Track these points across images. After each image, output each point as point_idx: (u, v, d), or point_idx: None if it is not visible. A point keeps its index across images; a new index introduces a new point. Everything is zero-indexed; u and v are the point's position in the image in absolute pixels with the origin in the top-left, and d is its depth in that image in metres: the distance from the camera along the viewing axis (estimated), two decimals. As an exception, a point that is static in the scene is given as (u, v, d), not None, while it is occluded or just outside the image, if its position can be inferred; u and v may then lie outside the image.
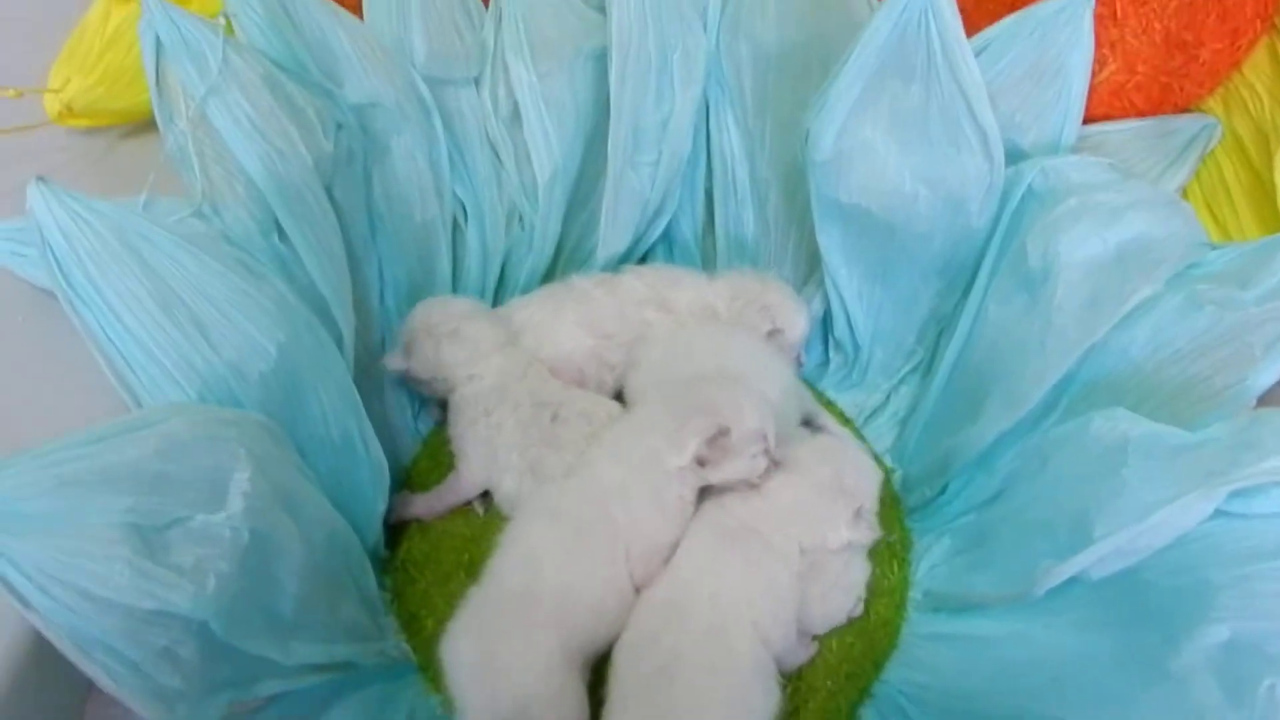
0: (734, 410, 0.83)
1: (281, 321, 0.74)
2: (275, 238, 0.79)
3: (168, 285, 0.68)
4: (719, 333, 1.03)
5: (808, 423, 1.05)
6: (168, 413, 0.65)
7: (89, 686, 0.74)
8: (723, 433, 0.82)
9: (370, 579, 0.90)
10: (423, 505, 1.01)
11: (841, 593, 0.90)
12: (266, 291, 0.74)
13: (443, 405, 1.05)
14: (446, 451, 1.06)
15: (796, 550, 0.85)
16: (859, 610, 0.92)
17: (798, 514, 0.85)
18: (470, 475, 0.99)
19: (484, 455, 0.97)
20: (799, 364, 1.07)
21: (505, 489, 0.95)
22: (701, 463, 0.83)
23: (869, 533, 0.88)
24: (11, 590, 0.55)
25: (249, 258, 0.75)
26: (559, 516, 0.82)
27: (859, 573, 0.91)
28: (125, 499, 0.58)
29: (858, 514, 0.86)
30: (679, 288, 1.06)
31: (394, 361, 0.99)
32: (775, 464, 0.85)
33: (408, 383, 1.04)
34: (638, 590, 0.82)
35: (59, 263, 0.65)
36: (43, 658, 0.61)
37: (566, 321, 1.04)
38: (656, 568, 0.83)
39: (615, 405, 0.99)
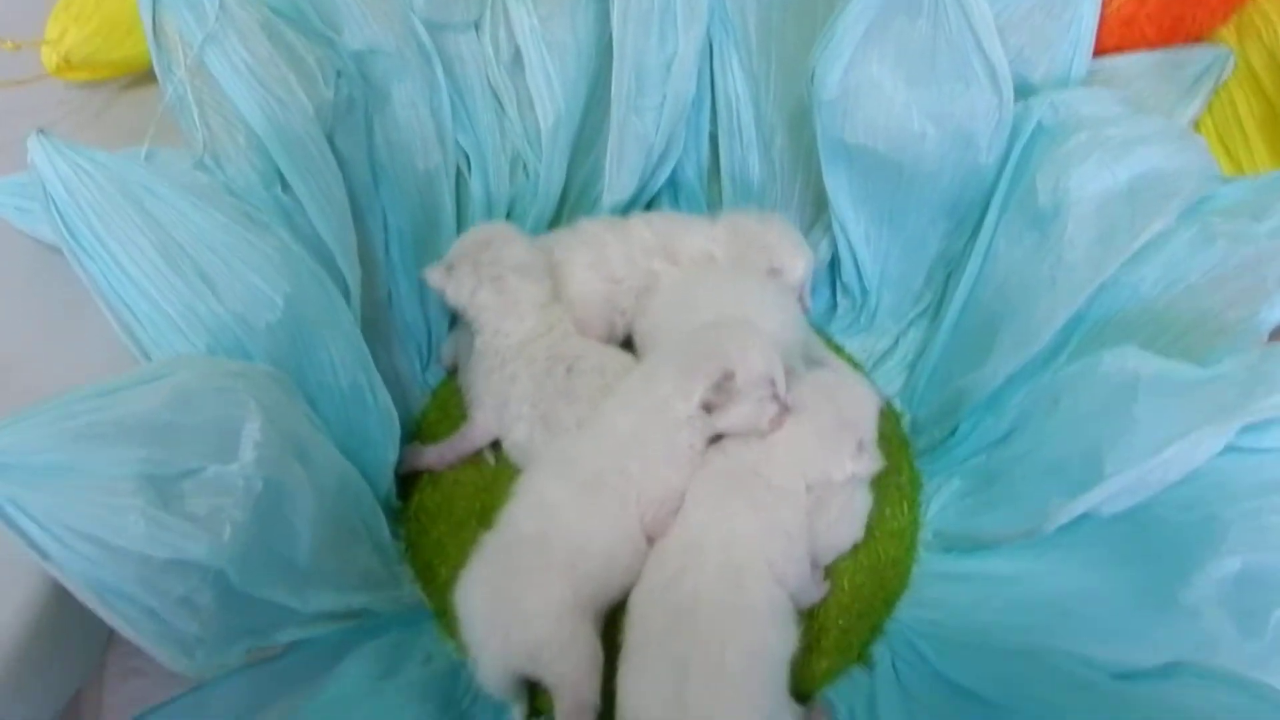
0: (740, 354, 0.83)
1: (287, 272, 0.74)
2: (278, 188, 0.78)
3: (171, 236, 0.68)
4: (721, 277, 1.02)
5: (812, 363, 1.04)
6: (177, 365, 0.65)
7: (109, 635, 0.76)
8: (728, 377, 0.82)
9: (383, 527, 0.91)
10: (434, 455, 1.01)
11: (846, 524, 0.91)
12: (271, 242, 0.73)
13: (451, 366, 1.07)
14: (456, 403, 1.07)
15: (802, 488, 0.85)
16: (861, 537, 0.93)
17: (800, 453, 0.85)
18: (483, 423, 0.99)
19: (497, 404, 0.96)
20: (804, 306, 1.06)
21: (516, 438, 0.95)
22: (709, 409, 0.83)
23: (871, 463, 0.88)
24: (29, 541, 0.55)
25: (252, 208, 0.74)
26: (572, 466, 0.83)
27: (862, 503, 0.92)
28: (137, 450, 0.58)
29: (859, 446, 0.87)
30: (685, 235, 1.05)
31: (434, 276, 0.97)
32: (785, 409, 0.85)
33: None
34: (650, 541, 0.83)
35: (62, 215, 0.65)
36: (62, 606, 0.62)
37: (577, 265, 1.03)
38: (667, 517, 0.83)
39: (629, 358, 0.99)
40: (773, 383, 0.84)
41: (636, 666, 0.77)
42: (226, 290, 0.70)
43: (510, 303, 0.96)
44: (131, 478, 0.58)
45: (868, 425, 0.89)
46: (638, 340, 1.03)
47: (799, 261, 1.03)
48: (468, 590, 0.79)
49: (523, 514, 0.81)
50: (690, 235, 1.05)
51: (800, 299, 1.06)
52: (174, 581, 0.60)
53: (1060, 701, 0.70)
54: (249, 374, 0.69)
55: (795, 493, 0.85)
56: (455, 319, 1.10)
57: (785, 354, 0.92)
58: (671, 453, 0.84)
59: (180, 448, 0.61)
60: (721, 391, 0.83)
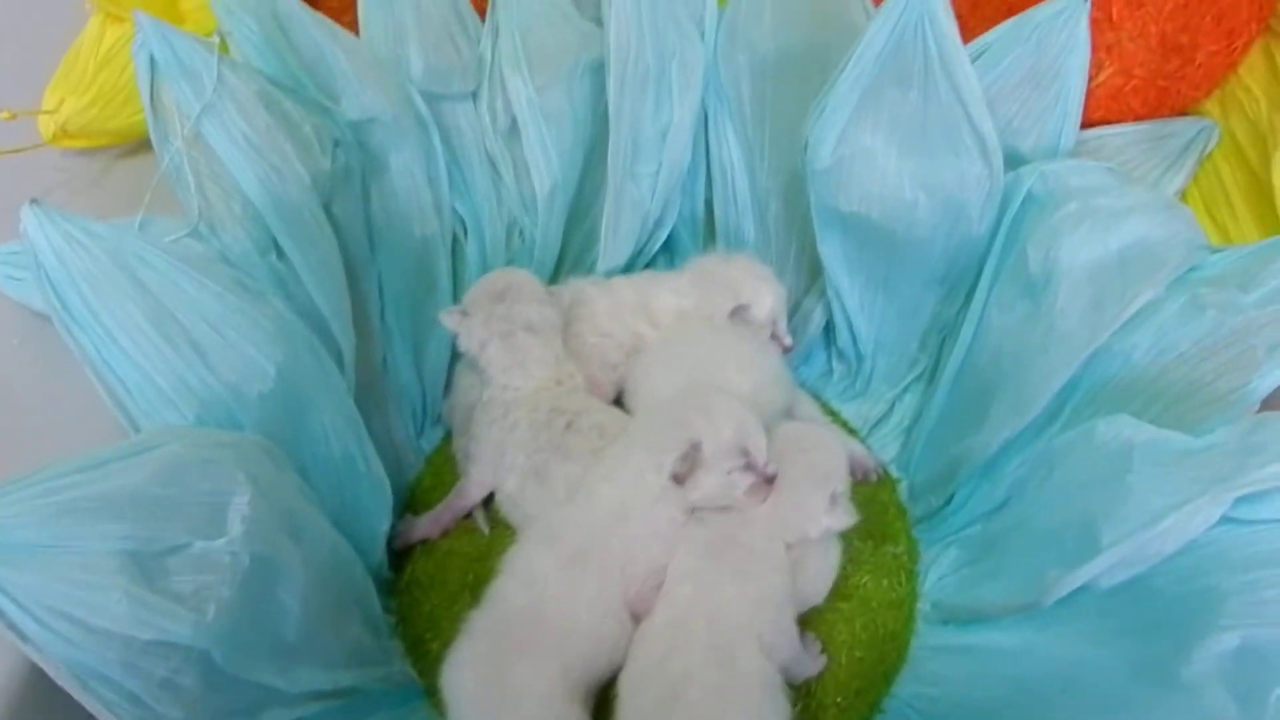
0: (706, 424, 0.81)
1: (280, 341, 0.73)
2: (273, 256, 0.79)
3: (164, 307, 0.67)
4: (699, 335, 1.02)
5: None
6: (165, 436, 0.65)
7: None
8: (695, 448, 0.80)
9: (374, 601, 0.89)
10: (427, 524, 1.01)
11: (822, 578, 0.89)
12: (265, 311, 0.73)
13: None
14: (450, 469, 1.06)
15: (783, 550, 0.84)
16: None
17: (777, 514, 0.84)
18: (479, 477, 0.98)
19: (493, 454, 0.96)
20: (783, 345, 1.05)
21: (508, 490, 0.95)
22: (679, 480, 0.82)
23: (846, 517, 0.86)
24: (7, 622, 0.54)
25: (246, 277, 0.74)
26: (559, 539, 0.81)
27: (835, 554, 0.90)
28: (123, 526, 0.57)
29: (833, 499, 0.85)
30: (658, 292, 1.05)
31: (449, 320, 0.98)
32: (765, 479, 0.83)
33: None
34: (635, 619, 0.81)
35: (53, 286, 0.65)
36: (40, 690, 0.60)
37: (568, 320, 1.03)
38: (651, 593, 0.81)
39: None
40: (746, 452, 0.82)
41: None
42: (219, 360, 0.70)
43: (519, 360, 0.96)
44: (115, 554, 0.56)
45: (839, 476, 0.87)
46: (627, 404, 1.02)
47: (765, 296, 1.02)
48: (456, 670, 0.78)
49: (512, 587, 0.80)
50: (662, 292, 1.05)
51: (776, 338, 1.04)
52: (156, 663, 0.58)
53: (1062, 782, 0.68)
54: (239, 445, 0.68)
55: (777, 556, 0.83)
56: (450, 383, 1.10)
57: (767, 409, 0.92)
58: (652, 526, 0.82)
59: (167, 522, 0.60)
60: (689, 462, 0.81)
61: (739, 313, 1.02)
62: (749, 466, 0.82)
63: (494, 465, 0.96)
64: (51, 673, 0.55)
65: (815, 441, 0.89)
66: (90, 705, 0.56)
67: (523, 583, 0.80)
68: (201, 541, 0.61)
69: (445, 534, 1.01)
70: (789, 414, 1.02)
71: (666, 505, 0.82)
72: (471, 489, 0.99)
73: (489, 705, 0.75)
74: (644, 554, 0.81)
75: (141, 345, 0.67)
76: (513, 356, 0.96)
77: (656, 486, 0.81)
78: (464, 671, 0.77)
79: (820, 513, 0.84)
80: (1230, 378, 0.76)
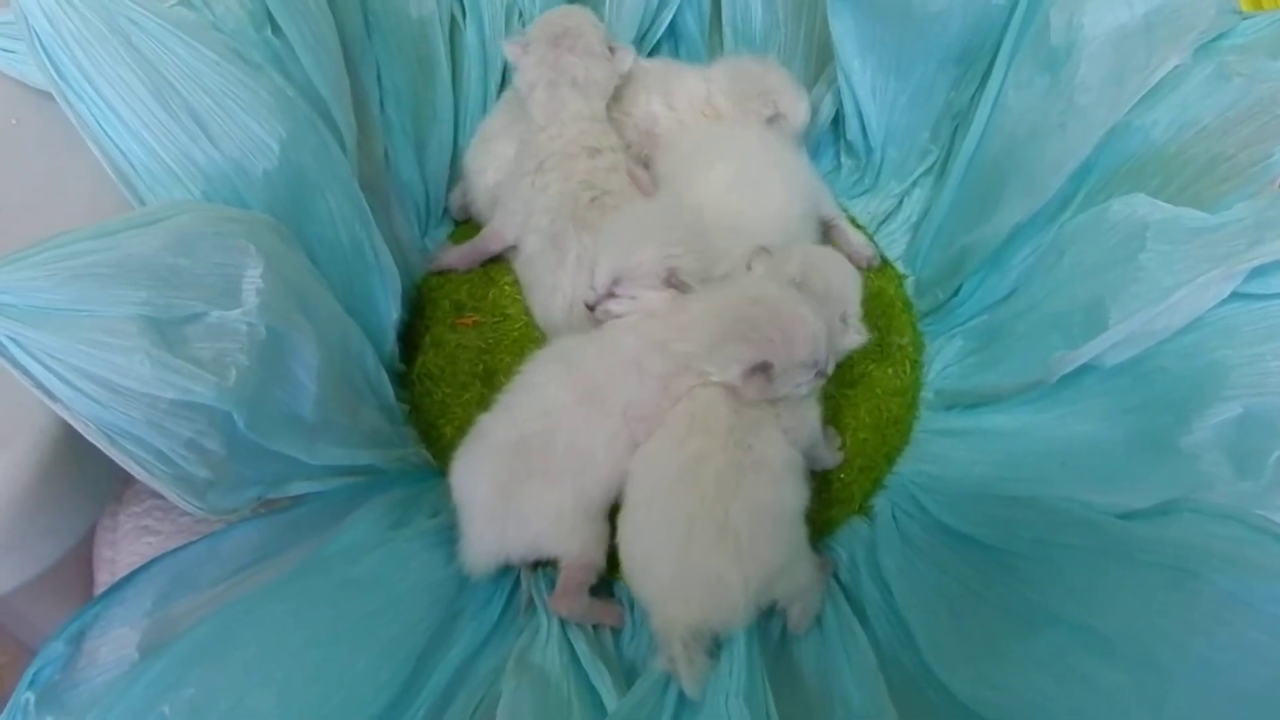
0: (783, 346, 0.78)
1: (282, 116, 0.72)
2: (268, 30, 0.75)
3: (161, 74, 0.65)
4: (735, 138, 1.00)
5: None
6: (176, 209, 0.64)
7: (123, 491, 0.77)
8: (765, 366, 0.78)
9: (387, 387, 0.91)
10: (457, 256, 1.04)
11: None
12: (264, 84, 0.71)
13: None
14: (458, 271, 1.06)
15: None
16: None
17: None
18: (501, 228, 0.99)
19: (520, 210, 0.96)
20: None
21: (527, 250, 0.96)
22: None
23: (857, 336, 0.88)
24: (34, 381, 0.55)
25: (242, 48, 0.71)
26: (576, 376, 0.82)
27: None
28: (139, 292, 0.58)
29: (843, 319, 0.86)
30: (680, 79, 1.03)
31: (513, 50, 0.96)
32: (825, 377, 0.83)
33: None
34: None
35: (46, 51, 0.63)
36: (72, 452, 0.62)
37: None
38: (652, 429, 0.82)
39: None
40: (816, 364, 0.80)
41: (638, 526, 0.78)
42: (221, 134, 0.68)
43: (556, 109, 0.95)
44: (134, 319, 0.57)
45: (853, 299, 0.88)
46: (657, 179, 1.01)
47: (800, 105, 1.02)
48: (468, 480, 0.80)
49: (527, 411, 0.81)
50: (686, 79, 1.03)
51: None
52: (181, 424, 0.60)
53: (1059, 540, 0.71)
54: (249, 221, 0.67)
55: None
56: (454, 178, 1.09)
57: (800, 219, 0.95)
58: (670, 387, 0.82)
59: (182, 291, 0.60)
60: (757, 371, 0.78)
61: (773, 121, 1.01)
62: (818, 374, 0.81)
63: (519, 220, 0.96)
64: (81, 429, 0.57)
65: (833, 262, 0.90)
66: (121, 460, 0.58)
67: (538, 410, 0.80)
68: (218, 311, 0.62)
69: (472, 268, 1.05)
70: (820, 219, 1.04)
71: (686, 376, 0.82)
72: (493, 237, 1.01)
73: (498, 522, 0.78)
74: (652, 403, 0.81)
75: (142, 116, 0.65)
76: (553, 106, 0.95)
77: (714, 378, 0.80)
78: (476, 480, 0.80)
79: (833, 330, 0.84)
80: (1253, 150, 0.74)
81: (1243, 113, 0.75)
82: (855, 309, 0.88)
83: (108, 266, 0.57)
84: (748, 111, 1.00)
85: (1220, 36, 0.77)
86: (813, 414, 0.85)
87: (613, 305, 0.84)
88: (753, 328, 0.79)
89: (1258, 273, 0.70)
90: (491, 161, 1.02)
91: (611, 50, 0.97)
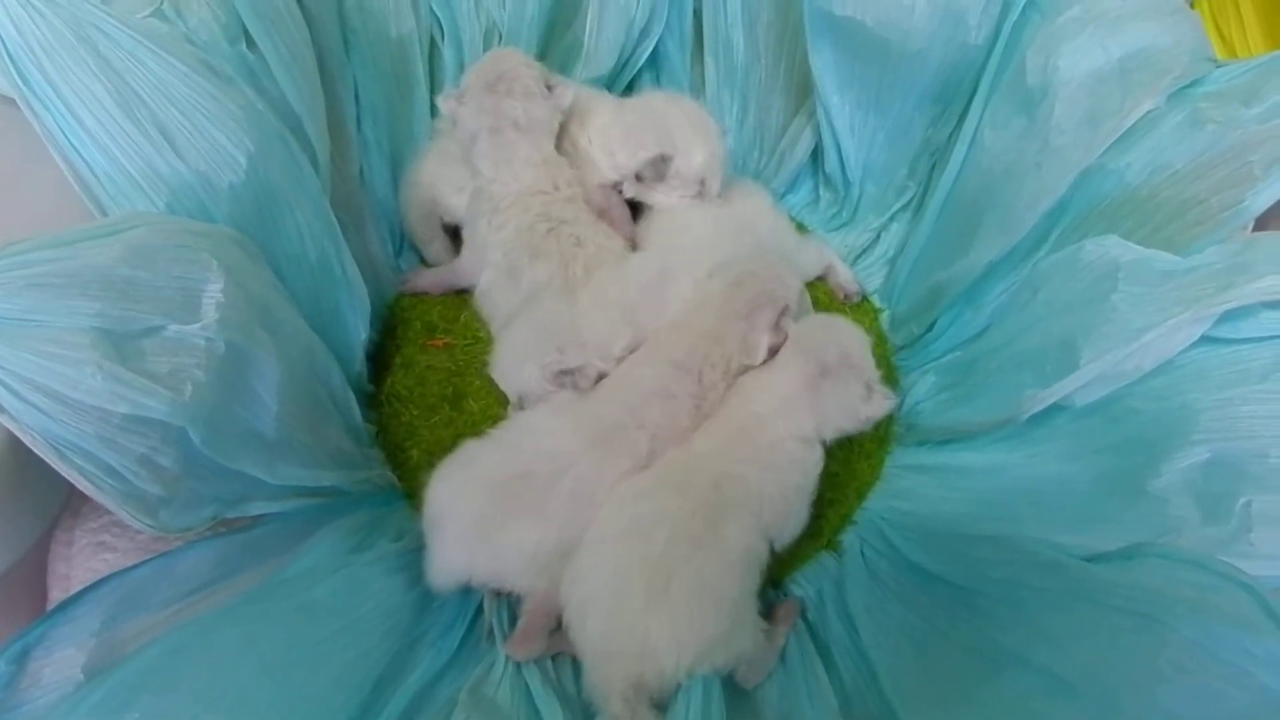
0: (785, 288, 0.86)
1: (251, 130, 0.71)
2: (243, 45, 0.75)
3: (128, 85, 0.64)
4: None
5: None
6: (136, 220, 0.63)
7: (79, 507, 0.75)
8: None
9: (354, 408, 0.89)
10: (430, 280, 1.04)
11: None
12: (234, 98, 0.70)
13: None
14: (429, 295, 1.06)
15: (818, 454, 0.83)
16: None
17: (817, 411, 0.82)
18: (465, 263, 0.99)
19: (479, 248, 0.95)
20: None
21: (482, 285, 0.95)
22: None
23: (885, 402, 0.83)
24: (-18, 392, 0.53)
25: (214, 61, 0.70)
26: (590, 420, 0.81)
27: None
28: (93, 304, 0.56)
29: (867, 387, 0.82)
30: (594, 108, 1.00)
31: (447, 104, 0.94)
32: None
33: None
34: None
35: (11, 57, 0.61)
36: (18, 463, 0.60)
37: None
38: None
39: (619, 243, 0.96)
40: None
41: (582, 569, 0.75)
42: (187, 146, 0.67)
43: (506, 156, 0.93)
44: (88, 331, 0.55)
45: (870, 363, 0.84)
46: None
47: (695, 150, 0.95)
48: (449, 502, 0.78)
49: (529, 453, 0.79)
50: (598, 109, 1.00)
51: (704, 195, 0.98)
52: (134, 439, 0.58)
53: (1026, 581, 0.70)
54: (212, 234, 0.66)
55: (808, 458, 0.82)
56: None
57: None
58: (699, 405, 0.82)
59: (139, 304, 0.59)
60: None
61: (658, 163, 0.95)
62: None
63: (478, 258, 0.95)
64: (29, 443, 0.55)
65: (841, 329, 0.86)
66: (70, 475, 0.56)
67: (544, 454, 0.79)
68: (176, 325, 0.60)
69: (444, 294, 1.05)
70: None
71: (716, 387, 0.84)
72: (460, 269, 1.00)
73: (471, 546, 0.77)
74: (678, 425, 0.82)
75: (107, 125, 0.64)
76: (500, 154, 0.93)
77: (756, 359, 0.83)
78: (456, 506, 0.78)
79: (857, 401, 0.82)
80: (1224, 195, 0.74)
81: (1215, 158, 0.75)
82: (875, 373, 0.84)
83: (62, 276, 0.56)
84: (634, 142, 0.96)
85: (1194, 83, 0.78)
86: (802, 513, 0.83)
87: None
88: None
89: (1228, 317, 0.70)
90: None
91: (550, 87, 0.94)
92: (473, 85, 0.93)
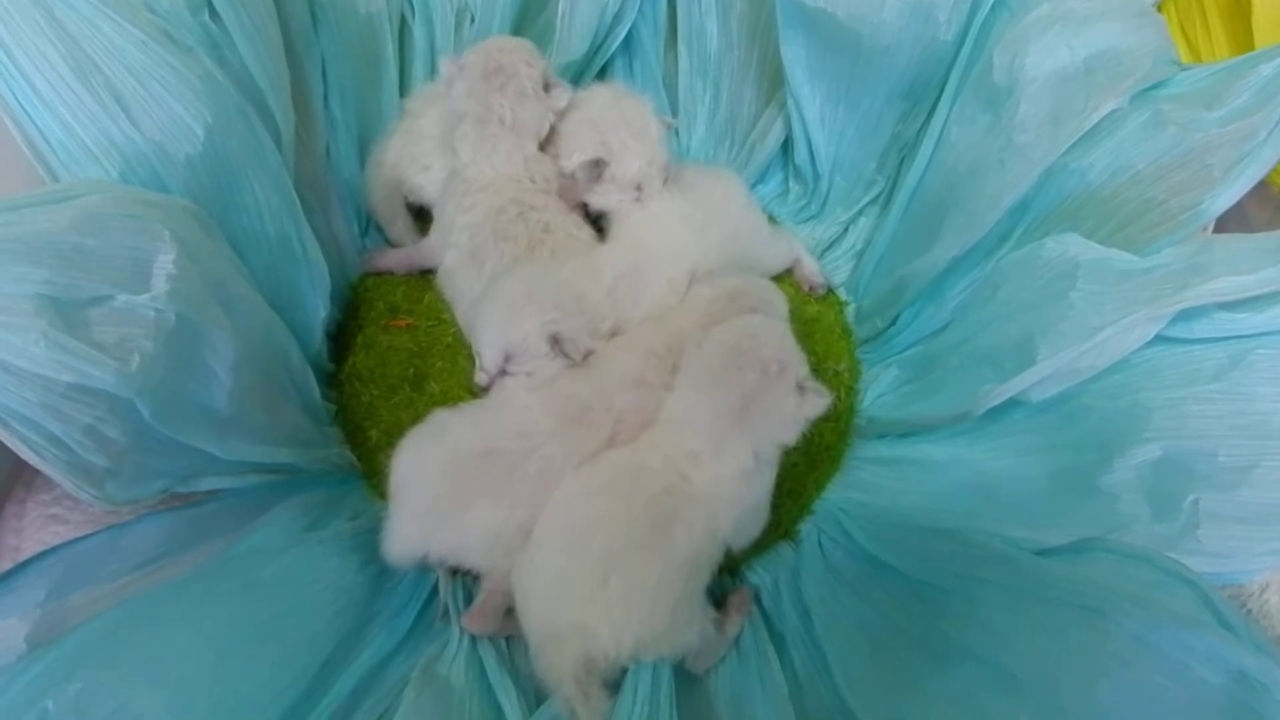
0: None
1: (210, 101, 0.70)
2: (205, 15, 0.73)
3: (83, 50, 0.63)
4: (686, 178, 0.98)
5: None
6: (87, 188, 0.62)
7: (33, 480, 0.74)
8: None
9: (312, 386, 0.89)
10: (395, 259, 1.04)
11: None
12: (193, 68, 0.69)
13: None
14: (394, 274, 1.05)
15: (776, 458, 0.81)
16: None
17: (754, 426, 0.78)
18: (432, 241, 0.99)
19: (444, 227, 0.94)
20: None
21: (446, 263, 0.94)
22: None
23: (820, 400, 0.78)
24: (-80, 356, 0.52)
25: (174, 30, 0.69)
26: (565, 400, 0.81)
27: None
28: (40, 270, 0.56)
29: (800, 386, 0.78)
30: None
31: (449, 67, 0.91)
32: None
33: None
34: None
35: (-39, 19, 0.60)
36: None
37: None
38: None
39: (588, 232, 0.95)
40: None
41: (531, 564, 0.74)
42: (142, 115, 0.66)
43: (486, 149, 0.91)
44: (32, 298, 0.55)
45: (799, 360, 0.79)
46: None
47: (632, 157, 0.92)
48: (412, 472, 0.77)
49: (501, 428, 0.79)
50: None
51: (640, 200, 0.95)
52: (79, 409, 0.57)
53: (978, 574, 0.70)
54: (165, 205, 0.65)
55: (765, 471, 0.80)
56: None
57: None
58: (663, 393, 0.81)
59: (87, 272, 0.58)
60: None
61: (594, 167, 0.92)
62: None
63: (444, 237, 0.94)
64: (-33, 410, 0.54)
65: (764, 338, 0.80)
66: (12, 443, 0.56)
67: (516, 431, 0.78)
68: (125, 295, 0.60)
69: (409, 273, 1.05)
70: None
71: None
72: (425, 249, 1.00)
73: (430, 521, 0.76)
74: (647, 411, 0.81)
75: (61, 92, 0.63)
76: (481, 144, 0.91)
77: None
78: (418, 478, 0.77)
79: (791, 403, 0.77)
80: (1183, 197, 0.75)
81: (1175, 160, 0.76)
82: (802, 368, 0.79)
83: (9, 242, 0.55)
84: (571, 140, 0.93)
85: (1158, 85, 0.78)
86: (760, 519, 0.81)
87: (509, 381, 0.82)
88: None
89: (1183, 316, 0.71)
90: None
91: (548, 87, 0.92)
92: (471, 66, 0.91)
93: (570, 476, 0.78)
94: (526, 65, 0.91)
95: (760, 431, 0.77)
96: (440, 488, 0.76)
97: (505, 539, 0.76)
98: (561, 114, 0.93)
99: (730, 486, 0.77)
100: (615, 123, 0.92)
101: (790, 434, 0.78)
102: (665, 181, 0.94)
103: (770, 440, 0.78)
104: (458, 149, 0.92)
